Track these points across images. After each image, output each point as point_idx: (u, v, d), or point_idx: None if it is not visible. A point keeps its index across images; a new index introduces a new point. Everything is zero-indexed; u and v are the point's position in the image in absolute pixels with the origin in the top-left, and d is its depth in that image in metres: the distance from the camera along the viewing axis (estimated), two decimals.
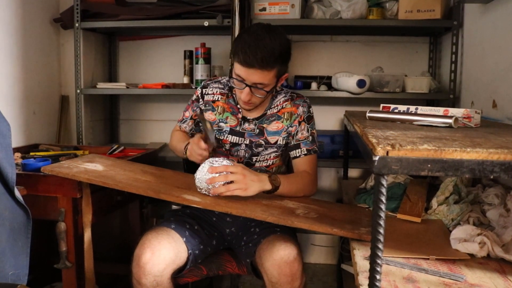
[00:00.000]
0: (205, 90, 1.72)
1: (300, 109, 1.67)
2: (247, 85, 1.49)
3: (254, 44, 1.41)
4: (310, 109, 1.69)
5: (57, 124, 2.56)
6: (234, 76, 1.51)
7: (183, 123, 1.78)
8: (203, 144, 1.48)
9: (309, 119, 1.68)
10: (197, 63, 2.48)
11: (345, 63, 2.62)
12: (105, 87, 2.53)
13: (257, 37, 1.43)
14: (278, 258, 1.36)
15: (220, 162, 1.44)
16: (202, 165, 1.44)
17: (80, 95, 2.46)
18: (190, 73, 2.55)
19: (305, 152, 1.65)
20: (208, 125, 1.48)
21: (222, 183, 1.39)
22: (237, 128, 1.67)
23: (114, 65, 2.83)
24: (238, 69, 1.47)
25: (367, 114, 1.53)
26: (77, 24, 2.40)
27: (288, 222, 1.31)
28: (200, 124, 1.72)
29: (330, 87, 2.41)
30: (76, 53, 2.43)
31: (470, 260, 1.14)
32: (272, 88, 1.54)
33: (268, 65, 1.44)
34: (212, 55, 2.52)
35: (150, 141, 2.80)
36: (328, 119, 2.63)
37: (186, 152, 1.59)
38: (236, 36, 1.50)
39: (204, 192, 1.43)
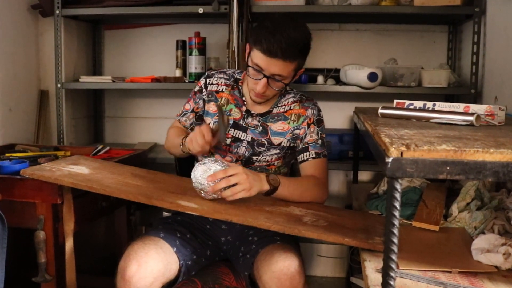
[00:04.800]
0: (209, 80, 1.74)
1: (309, 111, 1.69)
2: (265, 76, 1.52)
3: (279, 34, 1.46)
4: (320, 112, 1.72)
5: (36, 122, 2.56)
6: (251, 64, 1.54)
7: (183, 116, 1.78)
8: (209, 136, 1.48)
9: (319, 122, 1.70)
10: (190, 54, 2.48)
11: (355, 54, 2.62)
12: (88, 81, 2.53)
13: (282, 26, 1.48)
14: (277, 270, 1.36)
15: (217, 165, 1.44)
16: (198, 168, 1.44)
17: (61, 90, 2.46)
18: (183, 65, 2.55)
19: (314, 156, 1.66)
20: (226, 119, 1.52)
21: (224, 186, 1.39)
22: (241, 122, 1.68)
23: (99, 56, 2.83)
24: (258, 58, 1.51)
25: (379, 111, 1.53)
26: (57, 11, 2.40)
27: (294, 231, 1.31)
28: (213, 116, 1.71)
29: (338, 81, 2.41)
30: (57, 43, 2.43)
31: (494, 273, 1.14)
32: (289, 81, 1.58)
33: (291, 56, 1.49)
34: (207, 46, 2.52)
35: (138, 141, 2.81)
36: (336, 116, 2.63)
37: (183, 143, 1.58)
38: (256, 24, 1.54)
39: (203, 194, 1.43)
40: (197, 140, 1.49)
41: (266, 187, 1.47)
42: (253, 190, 1.42)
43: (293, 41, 1.47)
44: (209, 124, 1.68)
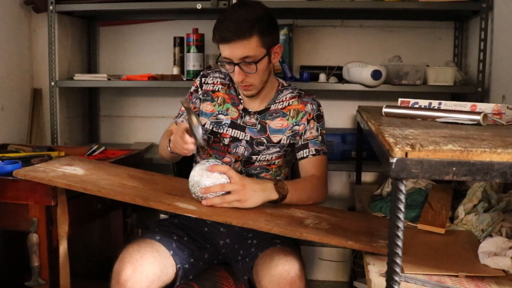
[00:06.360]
0: (205, 79, 1.76)
1: (309, 106, 1.69)
2: (235, 64, 1.55)
3: (226, 19, 1.52)
4: (320, 107, 1.73)
5: (29, 122, 2.56)
6: (222, 59, 1.58)
7: (180, 117, 1.79)
8: (188, 138, 1.48)
9: (319, 117, 1.70)
10: (188, 51, 2.48)
11: (358, 52, 2.62)
12: (83, 79, 2.52)
13: (229, 12, 1.55)
14: (277, 274, 1.36)
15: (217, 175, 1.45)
16: (195, 168, 1.45)
17: (55, 88, 2.46)
18: (181, 62, 2.55)
19: (314, 153, 1.66)
20: (194, 119, 1.47)
21: (218, 194, 1.41)
22: (238, 121, 1.69)
23: (94, 54, 2.83)
24: (221, 49, 1.56)
25: (383, 110, 1.54)
26: (51, 7, 2.40)
27: (296, 234, 1.31)
28: (209, 116, 1.72)
29: (341, 79, 2.41)
30: (50, 40, 2.43)
31: (501, 277, 1.14)
32: (261, 59, 1.55)
33: (244, 33, 1.51)
34: (206, 43, 2.52)
35: (134, 141, 2.81)
36: (339, 115, 2.63)
37: (170, 145, 1.58)
38: None
39: (198, 198, 1.44)
40: (178, 143, 1.50)
41: (274, 196, 1.48)
42: (248, 203, 1.42)
43: (240, 19, 1.51)
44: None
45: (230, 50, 1.54)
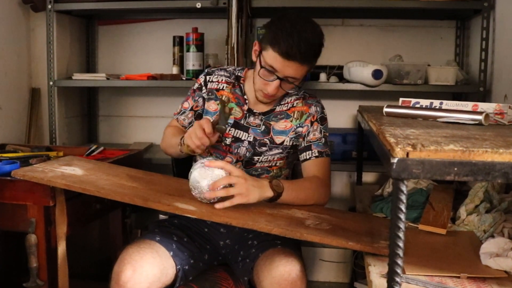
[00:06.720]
0: (209, 77, 1.75)
1: (313, 108, 1.70)
2: (278, 78, 1.53)
3: (298, 36, 1.47)
4: (324, 110, 1.74)
5: (27, 121, 2.56)
6: (264, 65, 1.54)
7: (181, 115, 1.78)
8: (209, 128, 1.47)
9: (323, 120, 1.71)
10: (188, 50, 2.48)
11: (359, 51, 2.62)
12: (82, 78, 2.53)
13: (299, 28, 1.49)
14: (278, 275, 1.36)
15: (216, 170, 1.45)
16: (194, 171, 1.45)
17: (54, 88, 2.46)
18: (180, 62, 2.55)
19: (316, 154, 1.67)
20: (227, 109, 1.54)
21: (222, 186, 1.40)
22: (242, 122, 1.69)
23: (93, 53, 2.83)
24: (273, 59, 1.51)
25: (384, 110, 1.54)
26: (49, 6, 2.40)
27: (296, 234, 1.31)
28: (213, 115, 1.70)
29: (342, 79, 2.41)
30: (49, 39, 2.43)
31: (503, 278, 1.14)
32: (299, 83, 1.60)
33: (308, 59, 1.52)
34: (205, 42, 2.52)
35: (134, 141, 2.81)
36: (339, 115, 2.63)
37: (182, 142, 1.57)
38: (271, 23, 1.51)
39: (197, 194, 1.43)
40: (196, 134, 1.47)
41: (269, 193, 1.47)
42: (250, 197, 1.41)
43: (311, 44, 1.49)
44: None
45: (284, 66, 1.51)
